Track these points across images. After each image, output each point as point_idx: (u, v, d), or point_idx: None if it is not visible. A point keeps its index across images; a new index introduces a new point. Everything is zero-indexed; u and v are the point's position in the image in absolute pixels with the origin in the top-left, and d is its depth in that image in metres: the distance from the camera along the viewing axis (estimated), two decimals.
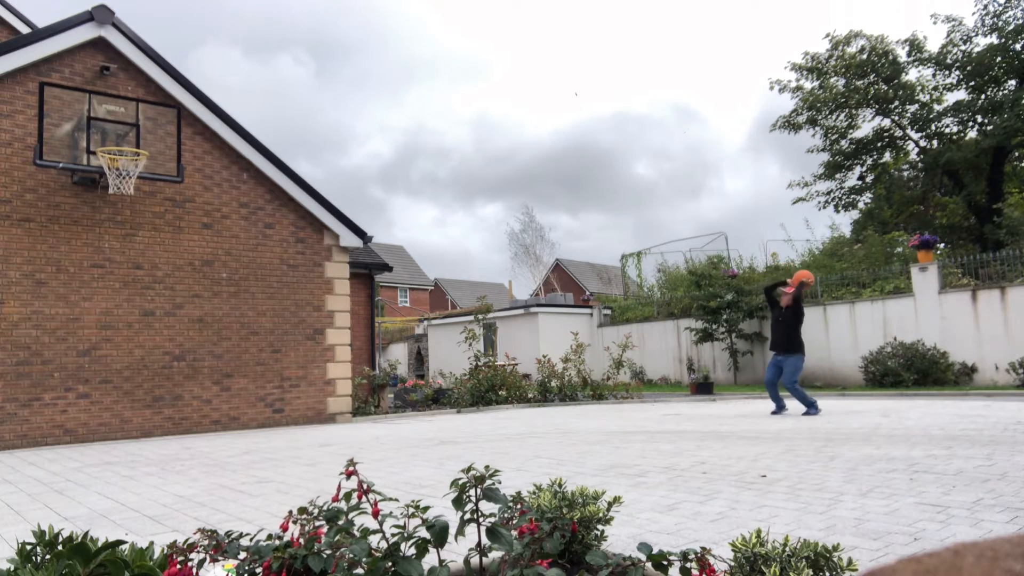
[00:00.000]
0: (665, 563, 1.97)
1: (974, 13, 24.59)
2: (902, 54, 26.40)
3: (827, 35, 26.91)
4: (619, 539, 3.41)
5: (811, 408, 10.15)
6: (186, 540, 2.08)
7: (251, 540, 2.18)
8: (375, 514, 2.05)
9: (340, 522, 2.10)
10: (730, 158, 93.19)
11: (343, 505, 2.17)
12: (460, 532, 2.06)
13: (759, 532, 2.19)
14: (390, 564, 1.93)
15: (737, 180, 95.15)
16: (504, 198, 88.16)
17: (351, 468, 2.18)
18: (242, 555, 2.08)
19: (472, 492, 2.10)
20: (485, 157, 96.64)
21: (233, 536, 2.14)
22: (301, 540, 2.06)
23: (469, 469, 2.17)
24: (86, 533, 2.08)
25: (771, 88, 28.38)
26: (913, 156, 28.00)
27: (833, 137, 28.18)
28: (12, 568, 1.90)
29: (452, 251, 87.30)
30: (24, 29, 14.28)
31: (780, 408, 10.47)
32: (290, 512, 2.17)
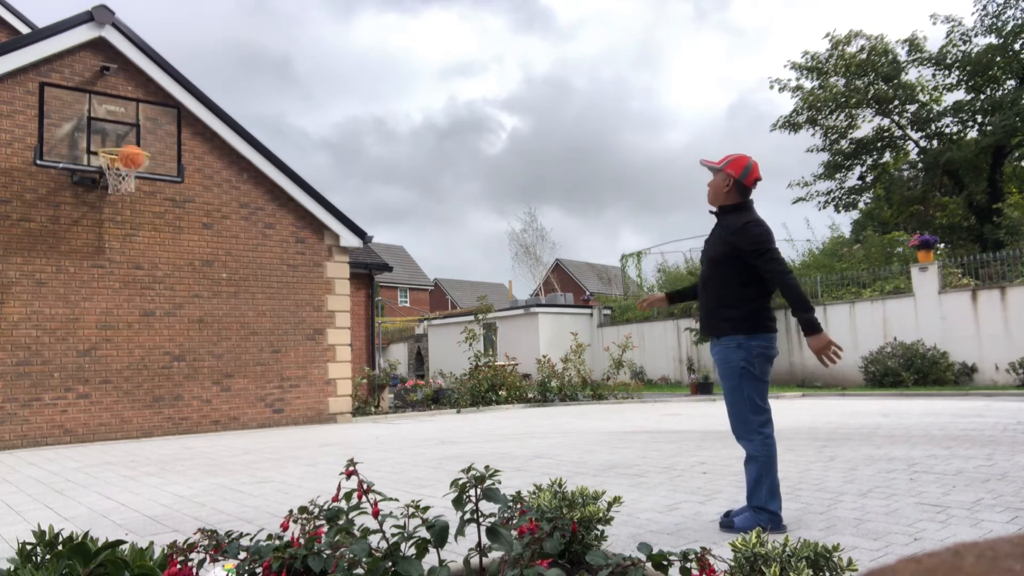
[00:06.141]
0: (665, 563, 1.97)
1: (973, 13, 24.61)
2: (902, 54, 26.42)
3: (827, 35, 26.93)
4: (619, 539, 3.41)
5: None
6: (186, 540, 2.08)
7: (251, 540, 2.18)
8: (375, 514, 2.05)
9: (340, 522, 2.10)
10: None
11: (343, 505, 2.17)
12: (460, 532, 2.06)
13: (759, 532, 2.19)
14: (390, 564, 1.93)
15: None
16: (492, 198, 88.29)
17: (351, 468, 2.18)
18: (242, 555, 2.08)
19: (472, 492, 2.10)
20: (472, 156, 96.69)
21: (233, 536, 2.14)
22: (301, 540, 2.06)
23: (469, 469, 2.17)
24: (86, 533, 2.08)
25: (771, 87, 28.42)
26: (913, 156, 28.01)
27: (833, 137, 28.19)
28: (12, 568, 1.90)
29: (444, 252, 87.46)
30: (24, 29, 14.28)
31: None
32: (290, 512, 2.17)
